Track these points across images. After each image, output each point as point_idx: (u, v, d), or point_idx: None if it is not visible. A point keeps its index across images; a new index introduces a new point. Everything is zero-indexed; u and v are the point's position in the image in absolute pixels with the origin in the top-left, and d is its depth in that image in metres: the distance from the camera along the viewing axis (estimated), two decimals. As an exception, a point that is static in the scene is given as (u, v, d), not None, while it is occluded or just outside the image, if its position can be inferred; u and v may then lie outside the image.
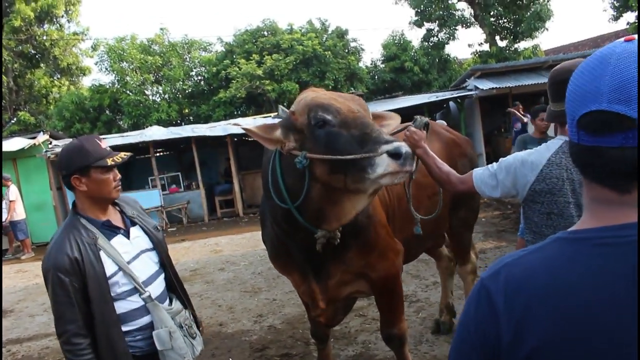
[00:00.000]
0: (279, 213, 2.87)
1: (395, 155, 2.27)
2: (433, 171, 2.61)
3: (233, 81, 19.97)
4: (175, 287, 2.74)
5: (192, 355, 2.61)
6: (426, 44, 23.70)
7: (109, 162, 2.40)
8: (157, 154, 15.60)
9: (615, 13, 20.84)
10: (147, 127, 18.06)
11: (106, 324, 2.37)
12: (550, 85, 2.32)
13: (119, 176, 2.50)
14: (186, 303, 2.76)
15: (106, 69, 22.22)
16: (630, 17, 20.51)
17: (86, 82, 27.88)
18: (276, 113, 3.25)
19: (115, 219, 2.58)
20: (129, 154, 2.56)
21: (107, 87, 21.95)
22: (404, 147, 2.29)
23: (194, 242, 11.22)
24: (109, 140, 13.38)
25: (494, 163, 2.44)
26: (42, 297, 7.93)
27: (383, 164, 2.29)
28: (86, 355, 2.32)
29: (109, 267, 2.39)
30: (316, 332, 3.92)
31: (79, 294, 2.31)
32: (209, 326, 5.86)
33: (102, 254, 2.39)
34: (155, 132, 14.73)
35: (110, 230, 2.50)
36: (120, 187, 2.53)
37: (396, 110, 3.04)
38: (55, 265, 2.30)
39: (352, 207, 2.70)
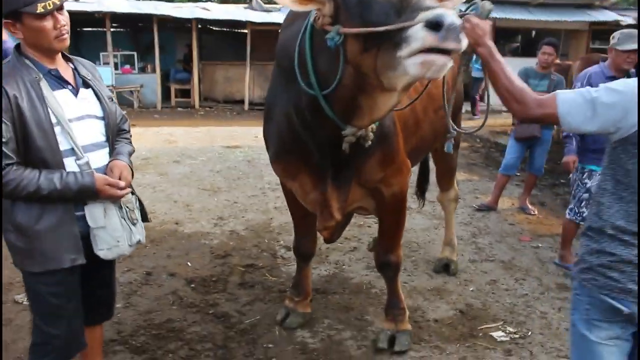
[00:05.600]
0: (305, 102, 2.32)
1: (434, 25, 1.63)
2: (500, 82, 2.02)
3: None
4: None
5: (129, 241, 2.33)
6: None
7: (39, 8, 2.02)
8: (112, 29, 14.21)
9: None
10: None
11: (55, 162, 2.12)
12: None
13: (62, 23, 2.13)
14: (132, 189, 2.43)
15: None
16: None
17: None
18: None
19: (66, 73, 2.26)
20: None
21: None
22: (449, 16, 1.63)
23: (145, 129, 10.40)
24: (60, 4, 11.98)
25: (588, 88, 1.91)
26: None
27: (418, 37, 1.66)
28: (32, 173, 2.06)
29: None
30: (302, 246, 3.47)
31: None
32: (164, 223, 5.32)
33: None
34: (114, 4, 13.34)
35: (56, 80, 2.20)
36: (66, 36, 2.17)
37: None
38: None
39: (386, 101, 2.16)
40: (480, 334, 3.54)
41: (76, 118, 2.19)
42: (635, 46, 4.02)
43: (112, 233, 2.25)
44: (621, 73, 4.03)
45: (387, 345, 3.26)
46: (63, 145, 2.14)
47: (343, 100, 2.17)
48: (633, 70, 4.15)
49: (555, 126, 6.62)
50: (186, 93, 14.77)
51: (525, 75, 5.98)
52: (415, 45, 1.67)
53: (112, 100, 2.43)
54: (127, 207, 2.33)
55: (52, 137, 2.09)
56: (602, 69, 4.30)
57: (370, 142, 2.42)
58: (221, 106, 14.57)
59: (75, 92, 2.24)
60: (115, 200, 2.26)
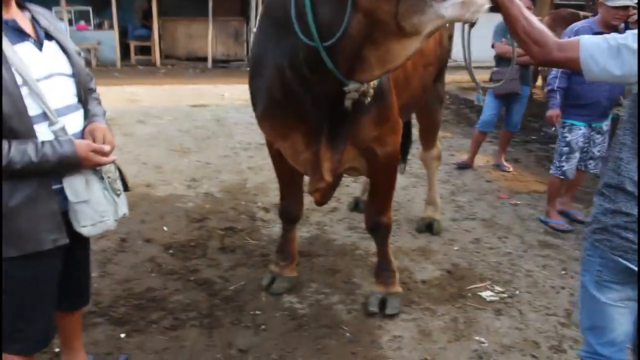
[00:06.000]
0: (302, 55, 2.14)
1: None
2: (519, 25, 1.88)
3: None
4: None
5: (114, 215, 2.08)
6: None
7: None
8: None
9: None
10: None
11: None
12: None
13: None
14: None
15: None
16: None
17: None
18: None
19: (24, 24, 1.90)
20: None
21: None
22: None
23: (107, 89, 9.84)
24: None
25: (613, 33, 1.80)
26: None
27: None
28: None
29: None
30: (289, 210, 3.33)
31: None
32: (135, 186, 5.06)
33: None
34: (65, -46, 12.59)
35: (14, 33, 1.83)
36: None
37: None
38: None
39: (403, 50, 1.99)
40: (469, 294, 3.50)
41: (44, 77, 1.86)
42: (624, 3, 3.94)
43: (96, 207, 1.98)
44: (610, 29, 3.93)
45: (378, 308, 3.18)
46: (33, 110, 1.82)
47: (348, 52, 2.01)
48: (622, 26, 4.06)
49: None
50: (146, 50, 14.19)
51: (503, 29, 5.86)
52: None
53: (80, 54, 2.11)
54: (109, 176, 2.06)
55: (20, 101, 1.77)
56: (590, 24, 4.21)
57: (369, 99, 2.28)
58: (183, 64, 14.07)
59: (39, 45, 1.90)
60: (97, 170, 2.01)
